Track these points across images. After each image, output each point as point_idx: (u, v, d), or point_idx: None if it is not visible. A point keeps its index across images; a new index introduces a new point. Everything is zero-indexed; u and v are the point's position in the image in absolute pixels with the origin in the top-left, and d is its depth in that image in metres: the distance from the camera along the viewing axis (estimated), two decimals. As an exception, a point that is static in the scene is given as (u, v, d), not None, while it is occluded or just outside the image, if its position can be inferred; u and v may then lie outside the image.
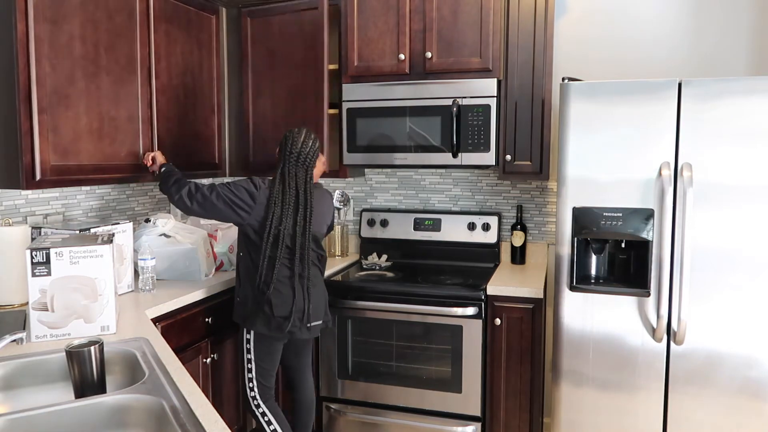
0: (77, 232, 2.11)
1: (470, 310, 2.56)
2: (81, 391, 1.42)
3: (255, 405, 2.33)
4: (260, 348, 2.32)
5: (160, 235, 2.56)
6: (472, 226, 3.08)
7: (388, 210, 3.28)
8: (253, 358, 2.31)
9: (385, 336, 2.72)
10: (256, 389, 2.33)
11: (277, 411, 2.37)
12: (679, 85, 2.13)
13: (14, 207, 2.36)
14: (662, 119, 2.15)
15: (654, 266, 2.18)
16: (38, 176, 2.09)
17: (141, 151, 2.55)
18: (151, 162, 2.49)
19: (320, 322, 2.38)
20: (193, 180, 2.36)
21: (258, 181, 2.31)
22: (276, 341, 2.34)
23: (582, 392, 2.30)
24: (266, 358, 2.33)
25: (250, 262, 2.30)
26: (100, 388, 1.43)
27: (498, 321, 2.58)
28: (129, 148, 2.50)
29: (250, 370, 2.32)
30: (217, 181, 3.60)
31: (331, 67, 3.07)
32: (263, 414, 2.33)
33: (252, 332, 2.31)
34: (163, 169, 2.43)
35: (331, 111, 3.10)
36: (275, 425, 2.33)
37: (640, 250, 2.23)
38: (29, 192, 2.41)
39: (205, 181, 3.55)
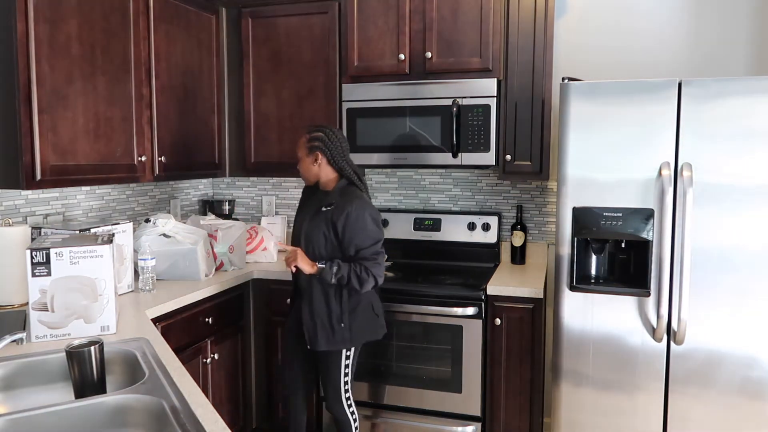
0: (77, 232, 2.11)
1: (470, 310, 2.56)
2: (81, 391, 1.42)
3: (348, 405, 2.41)
4: (355, 352, 2.39)
5: (160, 235, 2.56)
6: (472, 226, 3.08)
7: (388, 210, 3.27)
8: (350, 363, 2.38)
9: (385, 336, 2.72)
10: (350, 390, 2.41)
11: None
12: (679, 85, 2.13)
13: (14, 207, 2.36)
14: (662, 119, 2.14)
15: (654, 266, 2.17)
16: (38, 176, 2.09)
17: (136, 152, 2.55)
18: (294, 269, 2.26)
19: None
20: (358, 263, 2.21)
21: (371, 211, 2.29)
22: None
23: (582, 392, 2.30)
24: (356, 357, 2.42)
25: None
26: (100, 388, 1.43)
27: (498, 321, 2.58)
28: (125, 148, 2.50)
29: (347, 374, 2.38)
30: (217, 181, 3.61)
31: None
32: (353, 412, 2.42)
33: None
34: (333, 280, 2.20)
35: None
36: (356, 416, 2.45)
37: (640, 250, 2.23)
38: (29, 192, 2.41)
39: (205, 181, 3.58)
